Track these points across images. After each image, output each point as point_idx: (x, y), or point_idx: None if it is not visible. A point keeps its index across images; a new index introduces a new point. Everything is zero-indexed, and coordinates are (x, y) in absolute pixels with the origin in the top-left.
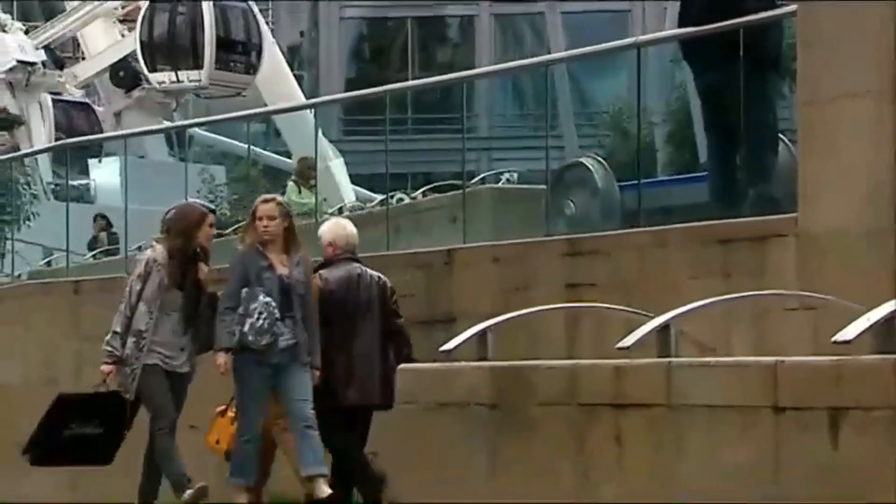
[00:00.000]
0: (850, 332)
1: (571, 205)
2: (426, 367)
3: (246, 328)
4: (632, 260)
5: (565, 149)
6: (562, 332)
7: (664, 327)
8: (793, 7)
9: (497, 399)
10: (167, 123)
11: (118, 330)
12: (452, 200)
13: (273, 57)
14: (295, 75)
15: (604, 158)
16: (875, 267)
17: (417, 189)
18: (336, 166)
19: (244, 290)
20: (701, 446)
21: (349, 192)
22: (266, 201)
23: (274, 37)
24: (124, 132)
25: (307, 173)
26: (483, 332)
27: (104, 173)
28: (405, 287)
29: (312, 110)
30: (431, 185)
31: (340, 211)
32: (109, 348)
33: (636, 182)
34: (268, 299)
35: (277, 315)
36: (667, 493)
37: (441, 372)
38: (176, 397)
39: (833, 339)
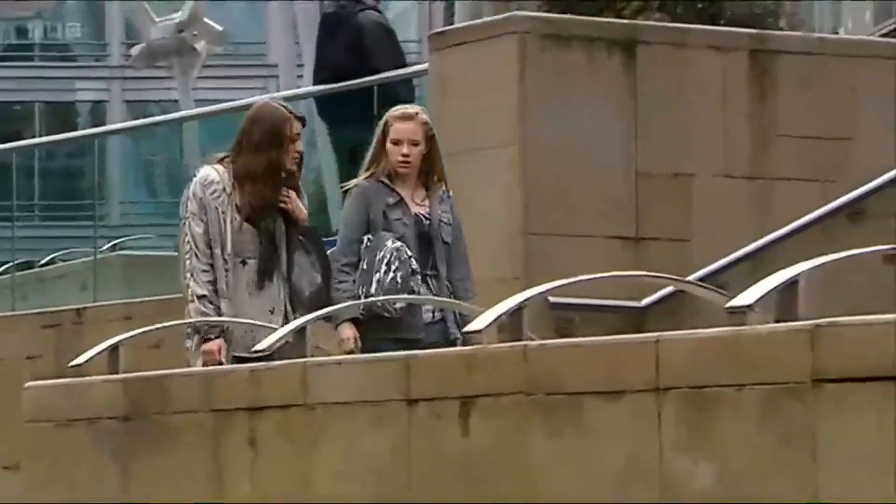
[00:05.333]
0: (480, 322)
1: None
2: (55, 384)
3: (372, 287)
4: None
5: None
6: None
7: (301, 330)
8: (424, 66)
9: (130, 411)
10: None
11: (202, 292)
12: (84, 266)
13: None
14: None
15: None
16: None
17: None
18: None
19: (366, 237)
20: (337, 444)
21: None
22: (406, 118)
23: None
24: None
25: None
26: (115, 347)
27: None
28: (34, 348)
29: None
30: (61, 252)
31: None
32: (203, 318)
33: None
34: (398, 244)
35: (414, 267)
36: (301, 492)
37: (71, 387)
38: None
39: (464, 329)
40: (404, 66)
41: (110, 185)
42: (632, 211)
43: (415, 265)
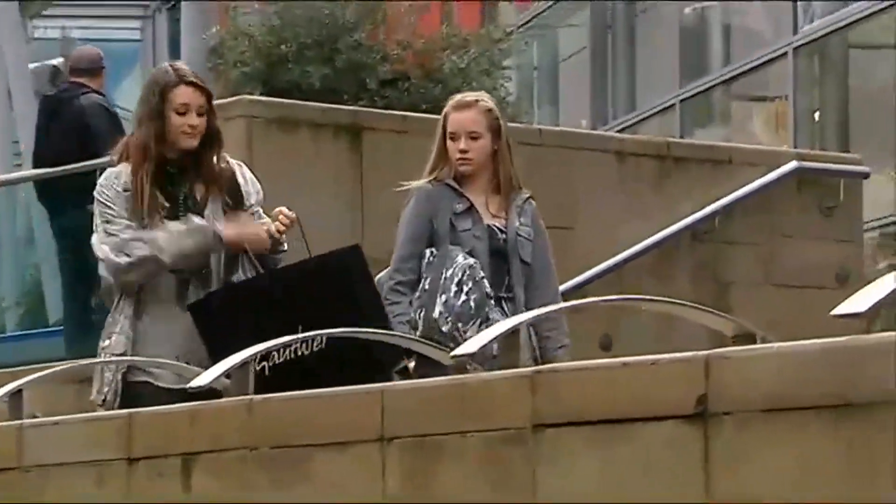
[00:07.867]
0: (205, 377)
1: None
2: None
3: (436, 311)
4: None
5: None
6: None
7: (16, 392)
8: None
9: None
10: None
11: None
12: None
13: None
14: None
15: None
16: None
17: None
18: None
19: (428, 251)
20: None
21: None
22: (464, 106)
23: None
24: None
25: None
26: None
27: None
28: None
29: None
30: None
31: None
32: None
33: None
34: (471, 260)
35: (488, 290)
36: None
37: None
38: None
39: (189, 385)
40: None
41: None
42: None
43: (488, 288)
